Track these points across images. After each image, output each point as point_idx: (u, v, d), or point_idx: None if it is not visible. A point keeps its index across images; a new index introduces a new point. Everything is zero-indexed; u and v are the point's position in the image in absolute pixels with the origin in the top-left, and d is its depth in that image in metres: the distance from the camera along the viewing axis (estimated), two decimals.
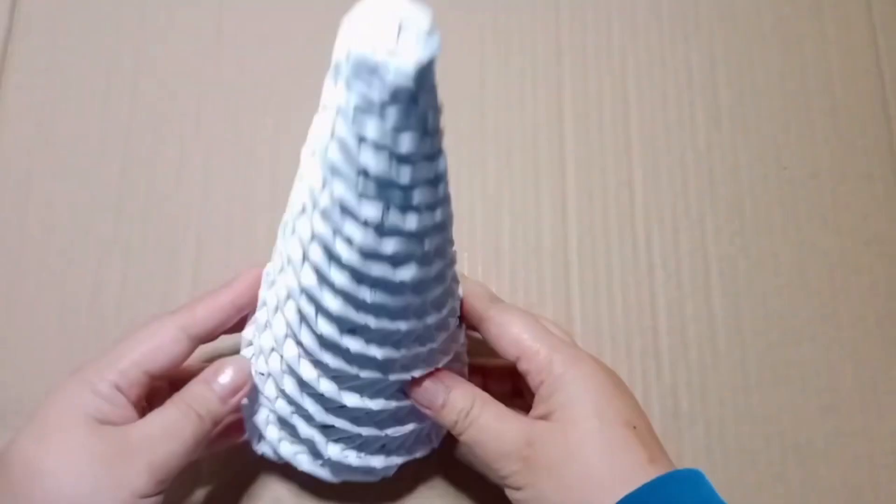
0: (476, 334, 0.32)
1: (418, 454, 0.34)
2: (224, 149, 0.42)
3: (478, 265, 0.41)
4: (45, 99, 0.42)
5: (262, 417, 0.32)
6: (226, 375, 0.29)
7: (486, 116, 0.43)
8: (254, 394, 0.31)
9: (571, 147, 0.43)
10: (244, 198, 0.41)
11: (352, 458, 0.31)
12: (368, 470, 0.32)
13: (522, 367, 0.29)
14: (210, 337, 0.31)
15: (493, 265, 0.41)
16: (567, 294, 0.40)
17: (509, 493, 0.28)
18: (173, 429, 0.28)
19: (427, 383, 0.29)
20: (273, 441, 0.32)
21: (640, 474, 0.26)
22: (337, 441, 0.31)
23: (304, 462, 0.32)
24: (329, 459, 0.31)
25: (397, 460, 0.32)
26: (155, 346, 0.29)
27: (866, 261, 0.42)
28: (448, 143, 0.43)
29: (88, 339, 0.38)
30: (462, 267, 0.40)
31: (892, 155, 0.44)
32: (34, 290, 0.39)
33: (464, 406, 0.29)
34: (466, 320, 0.31)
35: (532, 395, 0.30)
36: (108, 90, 0.42)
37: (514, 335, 0.30)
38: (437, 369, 0.29)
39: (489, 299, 0.31)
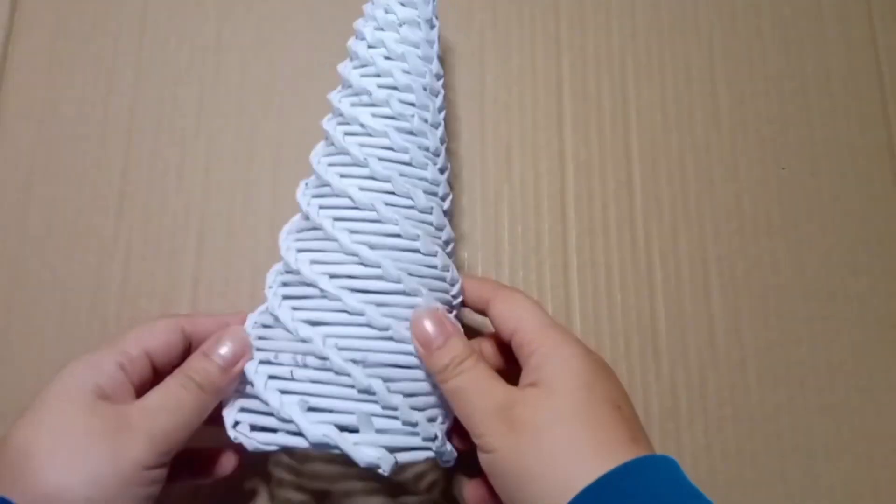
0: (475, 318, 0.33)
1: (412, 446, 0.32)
2: (224, 149, 0.42)
3: (478, 265, 0.41)
4: (45, 99, 0.42)
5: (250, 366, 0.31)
6: (225, 346, 0.30)
7: (486, 116, 0.43)
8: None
9: (571, 147, 0.43)
10: (244, 198, 0.41)
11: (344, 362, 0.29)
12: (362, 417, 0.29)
13: (517, 339, 0.30)
14: (201, 341, 0.32)
15: (493, 265, 0.41)
16: (567, 294, 0.40)
17: (482, 456, 0.28)
18: (173, 399, 0.28)
19: (430, 322, 0.30)
20: (258, 387, 0.30)
21: (623, 451, 0.26)
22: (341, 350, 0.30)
23: (291, 404, 0.29)
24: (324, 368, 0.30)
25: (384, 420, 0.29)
26: (153, 330, 0.31)
27: (866, 261, 0.42)
28: (448, 143, 0.43)
29: (88, 339, 0.38)
30: (462, 267, 0.40)
31: (892, 155, 0.44)
32: (34, 290, 0.39)
33: (459, 354, 0.29)
34: (474, 302, 0.33)
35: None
36: (109, 90, 0.42)
37: (516, 311, 0.31)
38: (444, 317, 0.31)
39: (497, 285, 0.33)
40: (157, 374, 0.31)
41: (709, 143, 0.44)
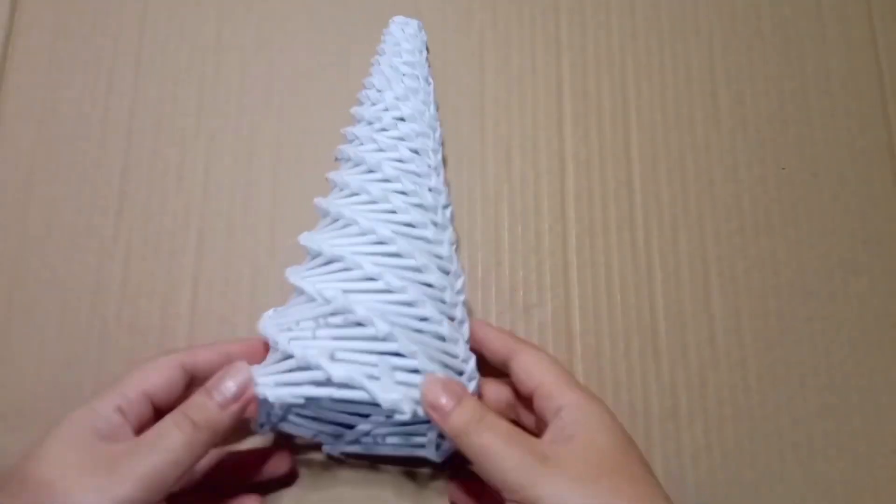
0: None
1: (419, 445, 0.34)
2: (224, 149, 0.42)
3: (478, 265, 0.41)
4: (45, 99, 0.42)
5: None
6: (227, 384, 0.30)
7: (486, 116, 0.43)
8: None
9: (571, 147, 0.43)
10: (244, 198, 0.41)
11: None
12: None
13: (541, 393, 0.31)
14: (203, 375, 0.32)
15: (492, 265, 0.41)
16: (567, 294, 0.40)
17: None
18: (164, 439, 0.28)
19: (438, 387, 0.30)
20: (281, 343, 0.31)
21: (655, 486, 0.28)
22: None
23: (315, 353, 0.30)
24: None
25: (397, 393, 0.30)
26: (152, 370, 0.31)
27: (866, 261, 0.42)
28: (448, 143, 0.44)
29: (88, 339, 0.38)
30: (463, 267, 0.40)
31: (892, 155, 0.44)
32: (34, 290, 0.39)
33: (476, 411, 0.29)
34: (495, 354, 0.34)
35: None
36: (109, 90, 0.43)
37: (539, 368, 0.32)
38: (451, 381, 0.31)
39: (518, 340, 0.34)
40: (159, 414, 0.30)
41: (709, 143, 0.44)
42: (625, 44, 0.45)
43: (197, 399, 0.30)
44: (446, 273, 0.35)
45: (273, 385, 0.30)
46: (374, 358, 0.30)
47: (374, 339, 0.31)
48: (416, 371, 0.31)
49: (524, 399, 0.33)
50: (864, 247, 0.43)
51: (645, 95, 0.44)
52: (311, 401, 0.31)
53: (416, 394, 0.30)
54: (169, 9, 0.44)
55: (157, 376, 0.31)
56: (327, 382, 0.30)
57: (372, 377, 0.30)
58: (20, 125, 0.42)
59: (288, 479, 0.36)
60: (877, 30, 0.46)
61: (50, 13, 0.44)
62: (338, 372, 0.29)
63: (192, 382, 0.32)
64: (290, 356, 0.30)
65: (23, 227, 0.40)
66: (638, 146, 0.43)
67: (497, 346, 0.34)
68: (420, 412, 0.30)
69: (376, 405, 0.30)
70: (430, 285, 0.33)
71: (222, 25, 0.44)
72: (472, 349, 0.34)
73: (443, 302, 0.34)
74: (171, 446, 0.28)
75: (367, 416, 0.33)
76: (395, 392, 0.30)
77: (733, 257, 0.42)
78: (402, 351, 0.31)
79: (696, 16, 0.46)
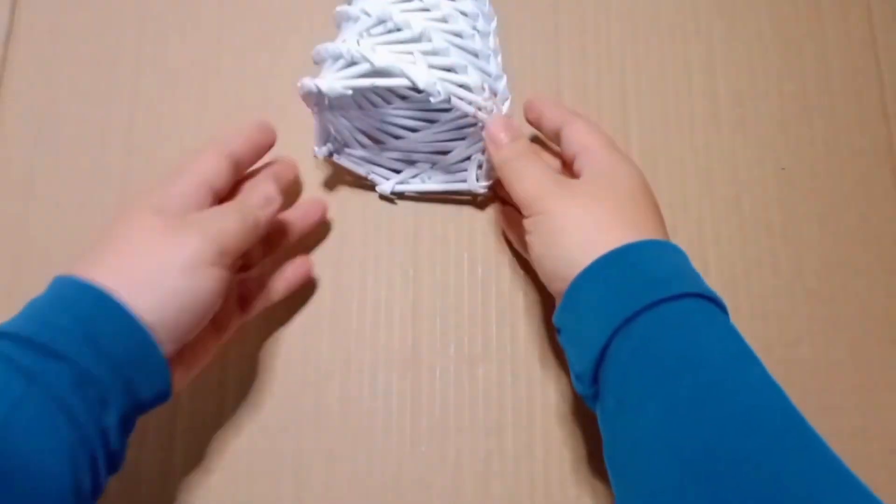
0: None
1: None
2: None
3: (478, 266, 0.41)
4: (45, 99, 0.42)
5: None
6: (266, 188, 0.35)
7: None
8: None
9: None
10: None
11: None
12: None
13: (584, 153, 0.34)
14: (242, 159, 0.36)
15: (493, 266, 0.41)
16: None
17: (530, 219, 0.32)
18: (223, 214, 0.33)
19: (501, 125, 0.35)
20: (334, 45, 0.34)
21: (658, 234, 0.32)
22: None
23: (360, 48, 0.34)
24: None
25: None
26: (203, 161, 0.34)
27: (866, 261, 0.42)
28: None
29: None
30: (462, 267, 0.40)
31: (892, 155, 0.44)
32: (34, 291, 0.39)
33: (524, 147, 0.35)
34: (551, 122, 0.37)
35: None
36: (109, 90, 0.43)
37: (583, 136, 0.35)
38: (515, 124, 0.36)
39: (571, 113, 0.37)
40: (214, 196, 0.34)
41: (707, 144, 0.44)
42: (625, 44, 0.45)
43: (242, 199, 0.35)
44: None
45: (325, 80, 0.34)
46: (409, 55, 0.34)
47: (412, 40, 0.34)
48: (450, 69, 0.34)
49: (569, 169, 0.36)
50: (864, 247, 0.43)
51: (644, 96, 0.44)
52: (358, 95, 0.37)
53: (450, 85, 0.34)
54: (169, 8, 0.44)
55: (208, 165, 0.34)
56: (371, 73, 0.34)
57: (410, 64, 0.33)
58: (20, 125, 0.42)
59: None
60: (877, 30, 0.46)
61: (50, 13, 0.44)
62: (379, 60, 0.33)
63: (235, 166, 0.35)
64: (339, 57, 0.34)
65: (23, 226, 0.40)
66: (638, 146, 0.43)
67: (554, 113, 0.37)
68: (454, 100, 0.34)
69: (416, 90, 0.33)
70: (464, 13, 0.36)
71: (222, 25, 0.44)
72: (529, 120, 0.38)
73: (475, 28, 0.36)
74: (229, 223, 0.32)
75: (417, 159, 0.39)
76: (430, 76, 0.33)
77: (732, 257, 0.42)
78: (435, 49, 0.34)
79: (696, 16, 0.46)
